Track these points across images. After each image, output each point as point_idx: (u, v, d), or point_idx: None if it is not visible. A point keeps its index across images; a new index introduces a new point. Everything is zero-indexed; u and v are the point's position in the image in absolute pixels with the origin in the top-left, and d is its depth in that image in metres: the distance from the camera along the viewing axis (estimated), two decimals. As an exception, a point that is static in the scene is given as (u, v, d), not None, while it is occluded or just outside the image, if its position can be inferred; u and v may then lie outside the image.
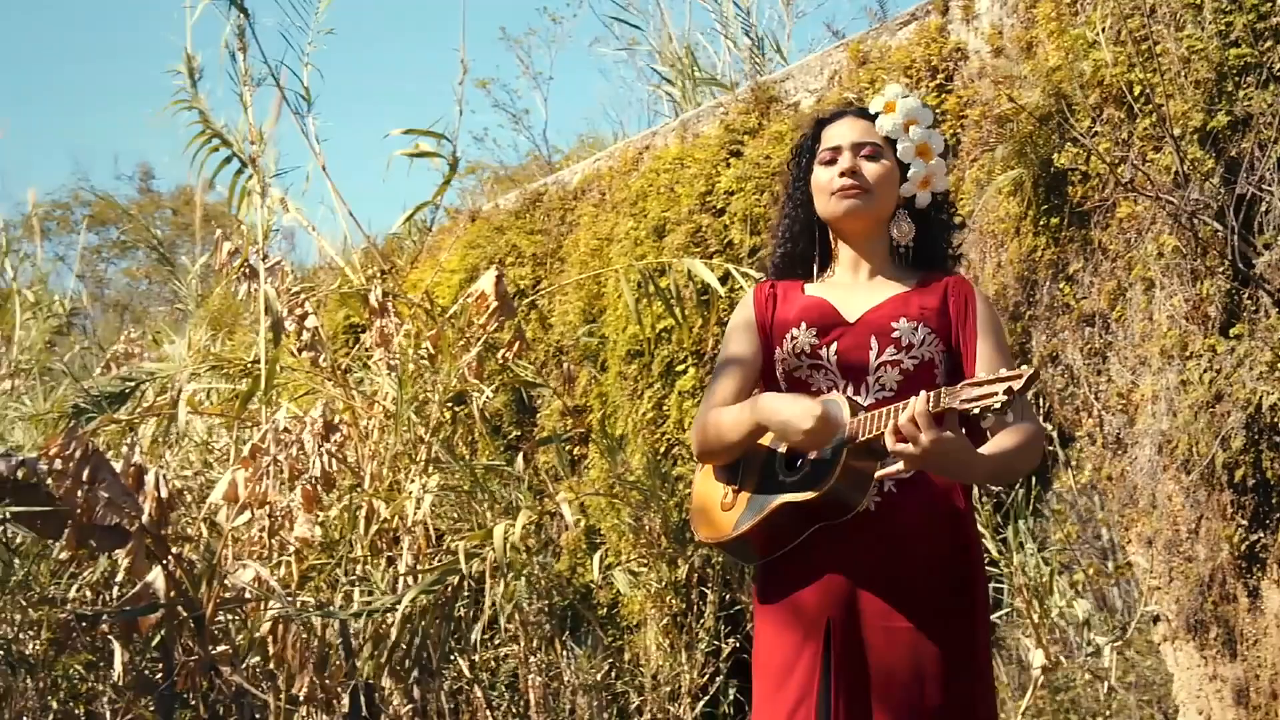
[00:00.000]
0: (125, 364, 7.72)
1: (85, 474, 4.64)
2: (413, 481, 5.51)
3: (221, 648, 5.24)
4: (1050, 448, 4.97)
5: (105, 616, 5.29)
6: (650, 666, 5.83)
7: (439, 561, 5.40)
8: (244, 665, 5.26)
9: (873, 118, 3.06)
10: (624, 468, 5.97)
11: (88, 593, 5.67)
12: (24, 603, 5.54)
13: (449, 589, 5.31)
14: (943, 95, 5.21)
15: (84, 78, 47.93)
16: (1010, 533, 4.92)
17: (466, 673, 5.91)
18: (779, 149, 5.76)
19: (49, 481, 4.74)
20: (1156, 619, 4.46)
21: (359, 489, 5.64)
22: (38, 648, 5.36)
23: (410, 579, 5.31)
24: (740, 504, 2.89)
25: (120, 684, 5.29)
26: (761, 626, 2.94)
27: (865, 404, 2.78)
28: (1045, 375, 4.73)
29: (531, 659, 6.04)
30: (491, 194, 8.93)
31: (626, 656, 6.15)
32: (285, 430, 5.13)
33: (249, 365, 5.82)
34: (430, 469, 5.62)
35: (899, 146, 3.01)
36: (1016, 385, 2.45)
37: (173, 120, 5.93)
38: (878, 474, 2.67)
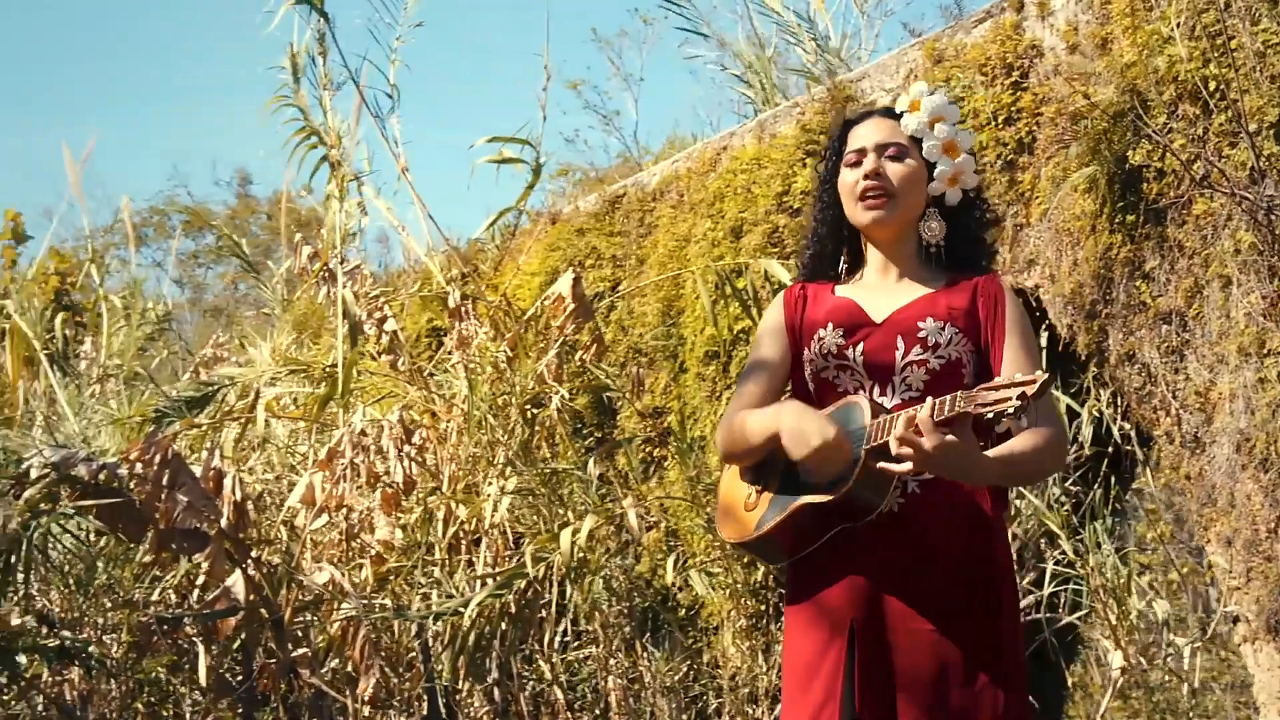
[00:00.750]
0: (212, 369, 7.83)
1: (165, 478, 4.71)
2: (490, 484, 5.55)
3: (301, 650, 5.31)
4: (1128, 447, 4.92)
5: (186, 619, 5.37)
6: (728, 668, 5.83)
7: (515, 565, 5.43)
8: (323, 668, 5.33)
9: (898, 117, 3.05)
10: (702, 469, 5.98)
11: (172, 596, 5.75)
12: (108, 605, 5.63)
13: (525, 591, 5.34)
14: (1018, 93, 5.17)
15: (185, 81, 48.63)
16: (1088, 533, 4.88)
17: (548, 674, 5.95)
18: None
19: (130, 486, 4.82)
20: (1236, 619, 4.41)
21: (438, 492, 5.68)
22: (119, 650, 5.44)
23: (488, 581, 5.35)
24: (763, 504, 2.90)
25: (204, 686, 5.36)
26: (788, 627, 2.96)
27: (890, 405, 2.79)
28: (1122, 374, 4.69)
29: (611, 661, 6.07)
30: (573, 196, 8.96)
31: (705, 658, 6.16)
32: (362, 434, 5.19)
33: (327, 369, 5.89)
34: (507, 472, 5.66)
35: (925, 145, 2.99)
36: (1030, 390, 2.45)
37: (270, 122, 6.03)
38: (893, 470, 2.66)
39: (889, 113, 3.09)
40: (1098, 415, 4.91)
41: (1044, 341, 4.97)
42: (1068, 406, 4.97)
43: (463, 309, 6.09)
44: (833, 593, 2.81)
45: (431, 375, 6.36)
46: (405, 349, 6.23)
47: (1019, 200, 5.10)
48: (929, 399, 2.61)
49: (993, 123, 5.18)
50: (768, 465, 2.94)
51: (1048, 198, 4.94)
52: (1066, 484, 5.09)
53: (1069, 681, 6.35)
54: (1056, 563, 5.06)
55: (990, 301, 2.92)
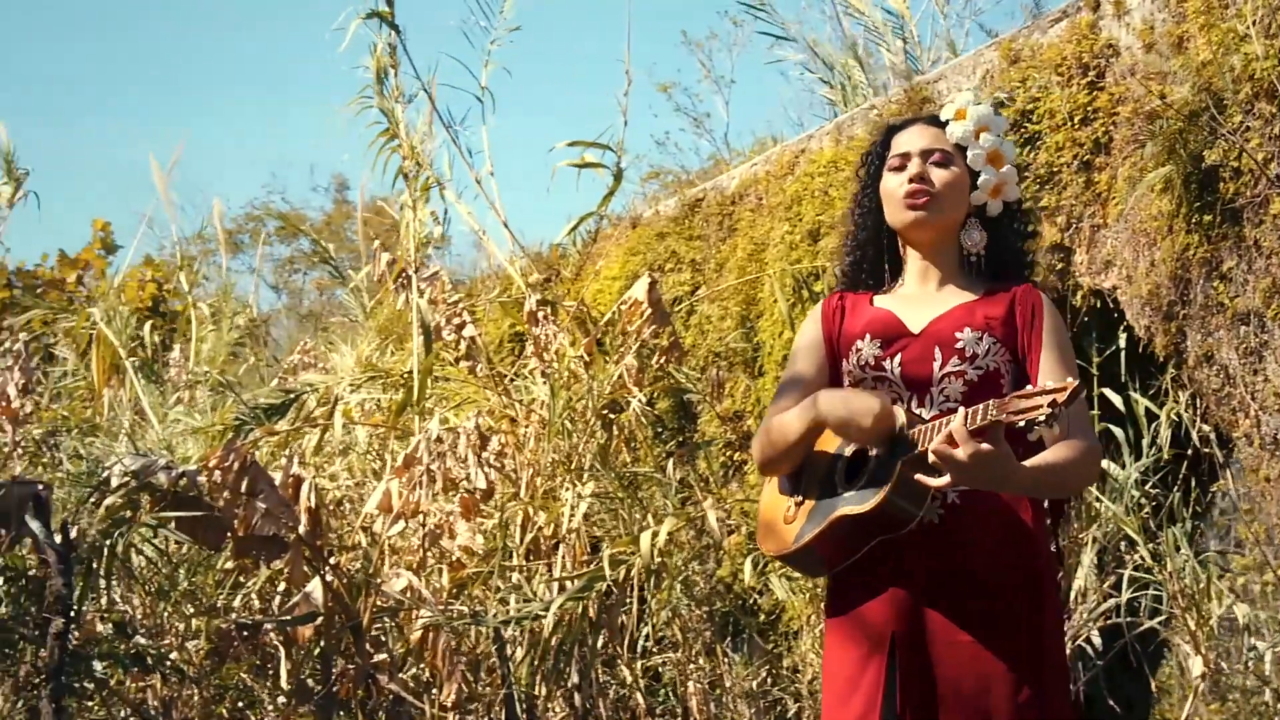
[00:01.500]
0: (297, 376, 7.93)
1: (243, 485, 4.79)
2: (567, 489, 5.58)
3: (380, 656, 5.36)
4: (1207, 449, 4.87)
5: (266, 625, 5.44)
6: (808, 673, 5.83)
7: (593, 569, 5.46)
8: (401, 673, 5.38)
9: (943, 125, 3.03)
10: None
11: (255, 601, 5.83)
12: (190, 611, 5.72)
13: (604, 596, 5.37)
14: (1094, 92, 5.14)
15: (285, 86, 49.21)
16: (1167, 537, 4.83)
17: (628, 679, 5.97)
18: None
19: (209, 493, 4.89)
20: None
21: (516, 498, 5.72)
22: (199, 657, 5.51)
23: (567, 586, 5.38)
24: (801, 516, 2.89)
25: (284, 691, 5.43)
26: (829, 640, 2.95)
27: (928, 416, 2.77)
28: (1201, 375, 4.65)
29: (691, 666, 6.08)
30: (654, 200, 8.99)
31: (785, 663, 6.16)
32: (438, 440, 5.23)
33: (405, 376, 5.95)
34: (584, 477, 5.69)
35: (969, 154, 2.98)
36: (1061, 398, 2.44)
37: (355, 125, 6.10)
38: (930, 484, 2.65)
39: (934, 120, 3.08)
40: (1176, 417, 4.86)
41: (1122, 343, 4.93)
42: (1146, 409, 4.93)
43: (541, 314, 6.13)
44: (873, 606, 2.80)
45: (511, 381, 6.41)
46: (485, 354, 6.28)
47: (1095, 201, 5.07)
48: (962, 409, 2.60)
49: (1069, 123, 5.15)
50: (805, 475, 2.94)
51: (1124, 198, 4.91)
52: (1145, 487, 5.04)
53: (1154, 686, 6.29)
54: (1136, 567, 5.01)
55: (1028, 310, 2.90)
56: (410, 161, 5.75)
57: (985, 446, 2.54)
